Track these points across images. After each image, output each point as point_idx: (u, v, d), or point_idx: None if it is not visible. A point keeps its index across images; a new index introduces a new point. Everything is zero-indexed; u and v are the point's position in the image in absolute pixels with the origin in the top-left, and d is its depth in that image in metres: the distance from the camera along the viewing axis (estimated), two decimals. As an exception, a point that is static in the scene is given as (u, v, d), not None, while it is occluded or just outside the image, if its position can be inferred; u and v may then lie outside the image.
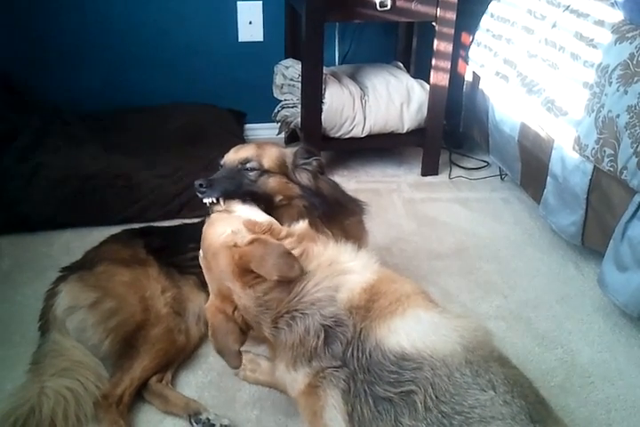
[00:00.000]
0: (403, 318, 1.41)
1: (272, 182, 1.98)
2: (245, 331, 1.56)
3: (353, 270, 1.52)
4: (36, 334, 2.05)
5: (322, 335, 1.43)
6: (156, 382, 1.95)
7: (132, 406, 1.90)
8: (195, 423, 1.83)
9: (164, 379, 1.98)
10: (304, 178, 2.03)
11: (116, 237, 2.29)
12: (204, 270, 1.68)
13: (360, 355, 1.39)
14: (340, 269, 1.51)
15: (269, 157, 2.01)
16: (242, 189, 1.93)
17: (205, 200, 1.89)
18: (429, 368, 1.32)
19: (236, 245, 1.53)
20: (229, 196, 1.88)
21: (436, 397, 1.30)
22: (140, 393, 1.93)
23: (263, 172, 1.98)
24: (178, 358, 2.05)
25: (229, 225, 1.63)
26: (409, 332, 1.38)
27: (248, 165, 1.98)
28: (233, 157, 2.02)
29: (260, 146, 2.05)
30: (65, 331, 1.96)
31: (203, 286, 2.14)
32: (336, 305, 1.44)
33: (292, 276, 1.46)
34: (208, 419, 1.83)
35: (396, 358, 1.35)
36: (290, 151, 2.08)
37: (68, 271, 2.12)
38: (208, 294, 2.13)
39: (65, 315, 1.97)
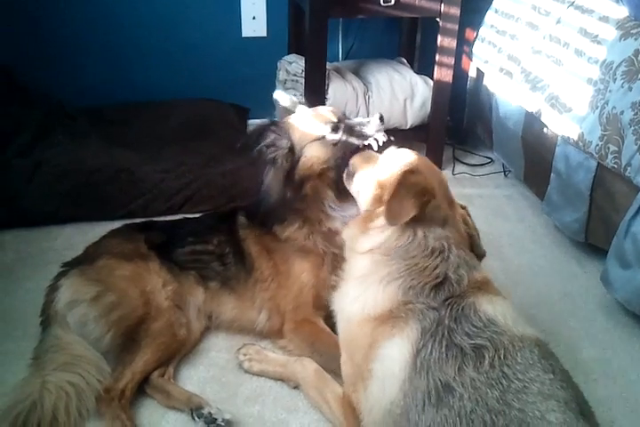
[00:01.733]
0: (504, 300, 1.61)
1: None
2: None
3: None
4: (38, 328, 2.05)
5: (439, 279, 1.57)
6: (158, 377, 1.95)
7: (134, 400, 1.90)
8: (197, 418, 1.83)
9: (166, 374, 1.98)
10: None
11: (117, 231, 2.29)
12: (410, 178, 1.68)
13: (454, 306, 1.53)
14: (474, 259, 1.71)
15: None
16: None
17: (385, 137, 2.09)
18: (508, 337, 1.47)
19: None
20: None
21: (504, 358, 1.43)
22: (142, 388, 1.93)
23: None
24: (179, 351, 2.05)
25: None
26: (505, 309, 1.56)
27: None
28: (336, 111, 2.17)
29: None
30: (66, 325, 1.96)
31: (203, 280, 2.16)
32: (468, 272, 1.60)
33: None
34: (210, 413, 1.83)
35: (486, 319, 1.51)
36: None
37: (69, 266, 2.12)
38: (206, 289, 2.15)
39: (66, 309, 1.98)
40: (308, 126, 2.09)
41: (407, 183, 1.61)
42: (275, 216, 2.13)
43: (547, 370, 1.42)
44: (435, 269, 1.58)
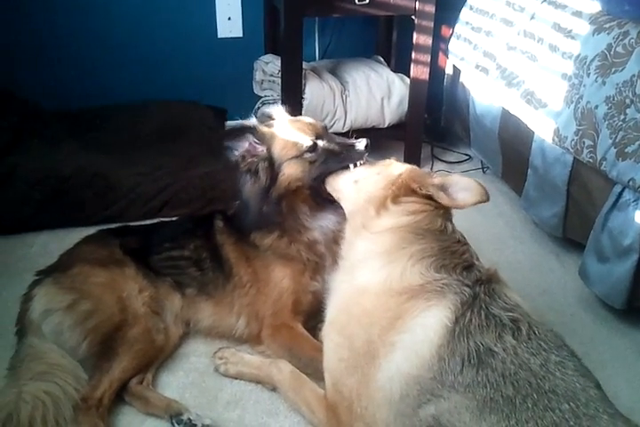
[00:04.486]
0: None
1: None
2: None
3: None
4: (14, 338, 2.01)
5: (468, 263, 1.65)
6: (137, 384, 1.93)
7: (112, 408, 1.88)
8: (176, 424, 1.82)
9: (145, 380, 1.96)
10: None
11: (91, 237, 2.26)
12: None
13: (485, 286, 1.58)
14: None
15: None
16: None
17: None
18: (534, 320, 1.53)
19: None
20: None
21: (538, 334, 1.48)
22: (121, 395, 1.91)
23: None
24: (157, 358, 2.04)
25: None
26: (521, 299, 1.64)
27: None
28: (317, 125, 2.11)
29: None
30: (42, 334, 1.94)
31: (179, 286, 2.14)
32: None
33: None
34: (190, 419, 1.82)
35: (513, 301, 1.58)
36: None
37: (43, 275, 2.09)
38: (183, 296, 2.14)
39: (41, 318, 1.95)
40: (286, 142, 2.03)
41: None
42: (252, 225, 2.11)
43: (573, 354, 1.48)
44: (463, 254, 1.67)
